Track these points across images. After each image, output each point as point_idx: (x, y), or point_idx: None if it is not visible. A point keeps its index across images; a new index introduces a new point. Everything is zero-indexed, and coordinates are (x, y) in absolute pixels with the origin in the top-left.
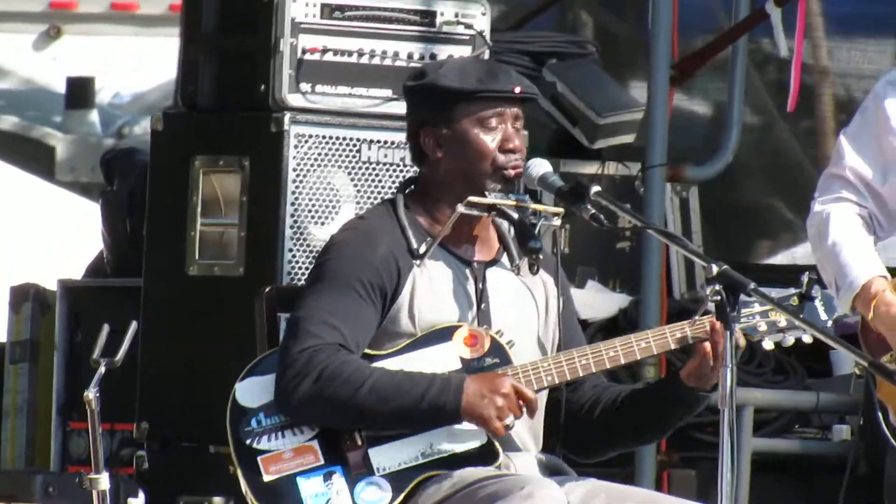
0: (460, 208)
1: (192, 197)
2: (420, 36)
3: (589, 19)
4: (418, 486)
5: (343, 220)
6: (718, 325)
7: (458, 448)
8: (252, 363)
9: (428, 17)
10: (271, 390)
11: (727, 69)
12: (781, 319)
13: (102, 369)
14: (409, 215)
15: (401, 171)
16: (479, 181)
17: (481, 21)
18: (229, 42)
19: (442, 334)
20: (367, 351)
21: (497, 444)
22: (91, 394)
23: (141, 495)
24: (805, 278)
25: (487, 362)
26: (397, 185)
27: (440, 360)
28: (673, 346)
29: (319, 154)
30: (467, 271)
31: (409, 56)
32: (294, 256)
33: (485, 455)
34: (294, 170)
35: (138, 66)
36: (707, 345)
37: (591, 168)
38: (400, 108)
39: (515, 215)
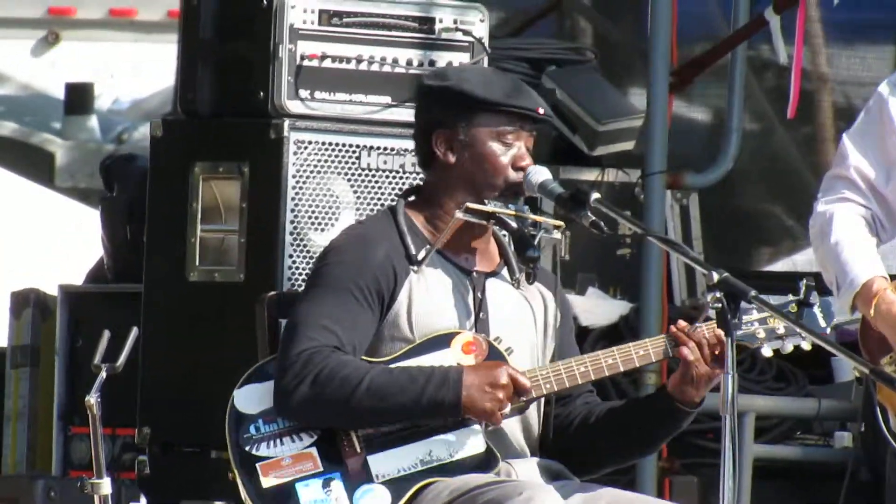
0: (459, 214)
1: (191, 203)
2: (419, 42)
3: (588, 26)
4: (417, 493)
5: (343, 227)
6: (698, 331)
7: (458, 455)
8: (250, 370)
9: (427, 23)
10: (270, 397)
11: (726, 76)
12: (780, 326)
13: (104, 374)
14: (410, 222)
15: (401, 177)
16: (485, 192)
17: (480, 28)
18: (228, 48)
19: (440, 341)
20: (365, 358)
21: (496, 450)
22: (92, 399)
23: (142, 500)
24: (803, 285)
25: None
26: (397, 191)
27: None
28: (672, 353)
29: (319, 160)
30: (466, 281)
31: (409, 63)
32: (294, 262)
33: (484, 462)
34: (294, 176)
35: (137, 72)
36: (684, 350)
37: (590, 175)
38: (399, 114)
39: (514, 224)
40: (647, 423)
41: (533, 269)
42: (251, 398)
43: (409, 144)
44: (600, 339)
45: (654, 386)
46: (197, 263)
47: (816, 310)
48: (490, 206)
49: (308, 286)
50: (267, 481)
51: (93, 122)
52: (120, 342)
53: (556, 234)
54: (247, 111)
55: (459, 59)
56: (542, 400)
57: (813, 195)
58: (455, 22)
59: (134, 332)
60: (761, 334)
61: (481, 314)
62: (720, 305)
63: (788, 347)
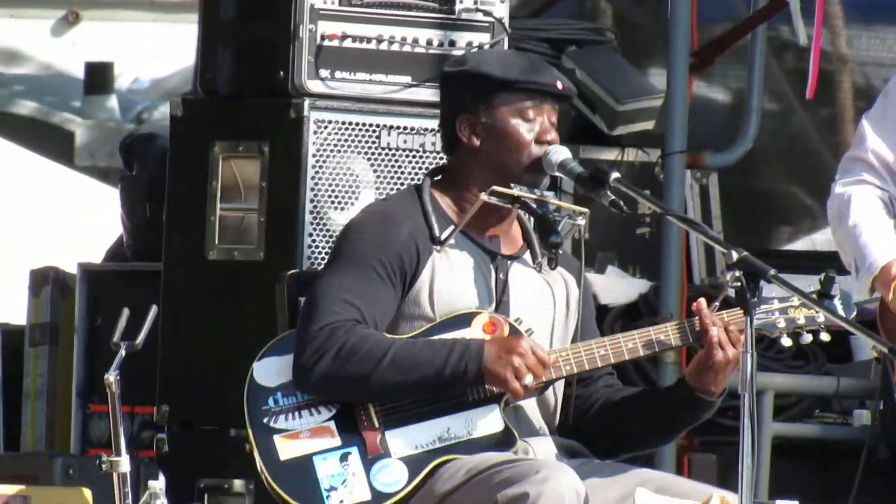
0: (483, 196)
1: (211, 182)
2: (439, 22)
3: (608, 7)
4: (434, 470)
5: (362, 206)
6: (713, 318)
7: (476, 433)
8: (270, 343)
9: (447, 3)
10: (289, 370)
11: (746, 57)
12: (800, 316)
13: (123, 352)
14: (435, 202)
15: (421, 157)
16: (513, 171)
17: (500, 8)
18: (248, 28)
19: (461, 320)
20: (386, 335)
21: (514, 429)
22: (111, 377)
23: (161, 478)
24: (823, 277)
25: None
26: (417, 170)
27: None
28: (692, 339)
29: (339, 140)
30: (490, 263)
31: (429, 42)
32: (314, 241)
33: (502, 440)
34: (314, 155)
35: (157, 51)
36: (712, 329)
37: (610, 154)
38: (419, 94)
39: (539, 210)
40: (667, 412)
41: (555, 254)
42: (270, 371)
43: (429, 124)
44: (619, 318)
45: (672, 364)
46: (216, 242)
47: (837, 301)
48: (515, 191)
49: (329, 261)
50: (284, 453)
51: (112, 101)
52: (139, 320)
53: (580, 221)
54: (267, 91)
55: (479, 39)
56: (563, 382)
57: (832, 176)
58: (475, 2)
59: (153, 310)
60: (781, 324)
61: (503, 297)
62: (739, 284)
63: (807, 338)
